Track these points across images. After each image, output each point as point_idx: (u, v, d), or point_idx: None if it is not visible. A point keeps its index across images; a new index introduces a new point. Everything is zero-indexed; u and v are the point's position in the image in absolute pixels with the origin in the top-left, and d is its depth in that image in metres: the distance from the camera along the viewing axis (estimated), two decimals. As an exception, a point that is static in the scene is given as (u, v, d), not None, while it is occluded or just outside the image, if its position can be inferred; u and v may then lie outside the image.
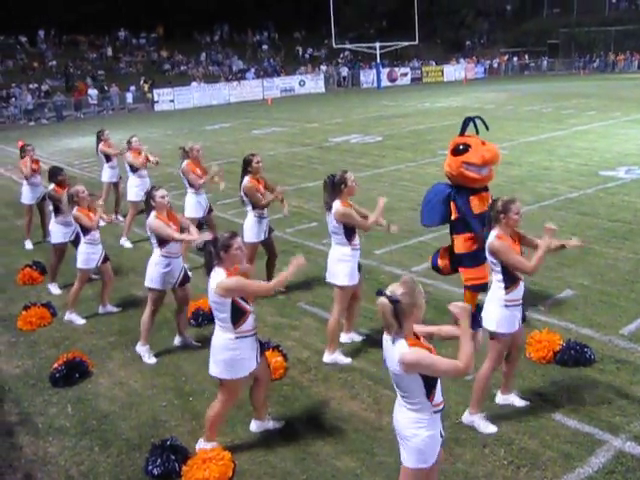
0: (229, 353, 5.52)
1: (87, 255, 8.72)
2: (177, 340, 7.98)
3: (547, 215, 11.64)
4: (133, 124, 32.52)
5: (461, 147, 7.76)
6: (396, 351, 4.06)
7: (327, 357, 7.34)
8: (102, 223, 8.85)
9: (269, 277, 8.92)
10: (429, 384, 4.12)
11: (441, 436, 4.30)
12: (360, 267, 7.45)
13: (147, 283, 7.65)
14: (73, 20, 49.11)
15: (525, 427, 5.87)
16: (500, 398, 6.28)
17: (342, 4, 51.94)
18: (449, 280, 9.25)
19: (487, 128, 8.09)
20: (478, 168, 7.61)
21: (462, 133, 8.00)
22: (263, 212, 9.12)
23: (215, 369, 5.63)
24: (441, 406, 4.24)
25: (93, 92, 41.05)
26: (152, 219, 7.44)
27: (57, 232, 9.71)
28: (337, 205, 7.09)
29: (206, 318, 8.36)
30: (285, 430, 6.06)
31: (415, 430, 4.18)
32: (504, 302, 5.79)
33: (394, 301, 4.00)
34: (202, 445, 5.72)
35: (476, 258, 7.47)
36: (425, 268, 9.85)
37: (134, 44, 52.95)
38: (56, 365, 7.28)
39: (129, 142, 12.49)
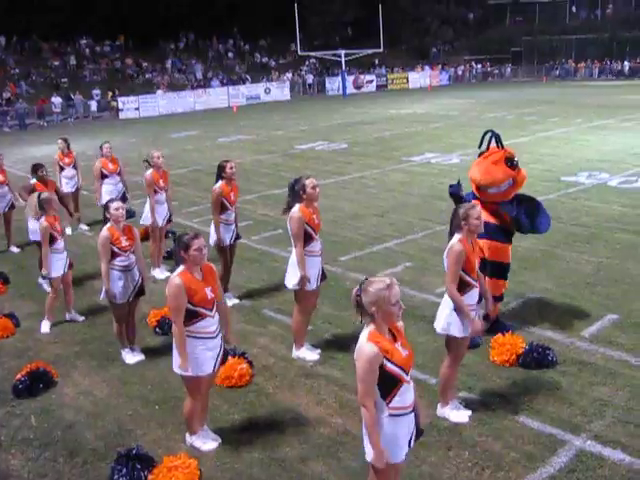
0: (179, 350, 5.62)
1: (53, 263, 8.66)
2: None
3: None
4: (97, 132, 32.24)
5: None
6: (360, 338, 4.14)
7: (295, 353, 7.52)
8: (69, 232, 8.83)
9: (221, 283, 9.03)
10: (384, 384, 4.11)
11: (409, 445, 4.31)
12: (324, 277, 7.52)
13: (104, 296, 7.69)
14: (36, 27, 48.58)
15: (489, 429, 5.95)
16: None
17: (308, 12, 52.07)
18: (415, 286, 9.35)
19: (498, 146, 8.01)
20: (473, 182, 7.79)
21: (481, 145, 8.09)
22: (228, 218, 9.14)
23: (173, 364, 5.77)
24: (401, 411, 4.20)
25: (57, 100, 40.59)
26: (103, 231, 7.47)
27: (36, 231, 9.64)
28: (293, 210, 7.17)
29: (171, 326, 8.31)
30: (251, 436, 6.06)
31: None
32: (455, 306, 5.90)
33: (355, 293, 4.16)
34: (188, 439, 5.93)
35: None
36: (389, 274, 9.92)
37: (98, 52, 52.52)
38: (19, 376, 7.17)
39: (100, 148, 12.54)
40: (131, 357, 7.74)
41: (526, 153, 19.34)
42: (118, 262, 7.48)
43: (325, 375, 7.13)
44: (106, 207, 7.56)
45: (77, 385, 7.28)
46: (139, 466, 5.47)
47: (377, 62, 57.56)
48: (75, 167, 13.71)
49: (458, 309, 5.84)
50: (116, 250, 7.45)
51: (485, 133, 8.04)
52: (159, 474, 5.42)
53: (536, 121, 26.94)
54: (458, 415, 6.12)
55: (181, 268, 5.59)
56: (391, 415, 4.16)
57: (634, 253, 10.30)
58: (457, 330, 5.90)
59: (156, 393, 6.98)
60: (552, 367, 6.92)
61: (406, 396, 4.20)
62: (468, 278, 5.90)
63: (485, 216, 7.48)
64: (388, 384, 4.11)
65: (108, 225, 7.46)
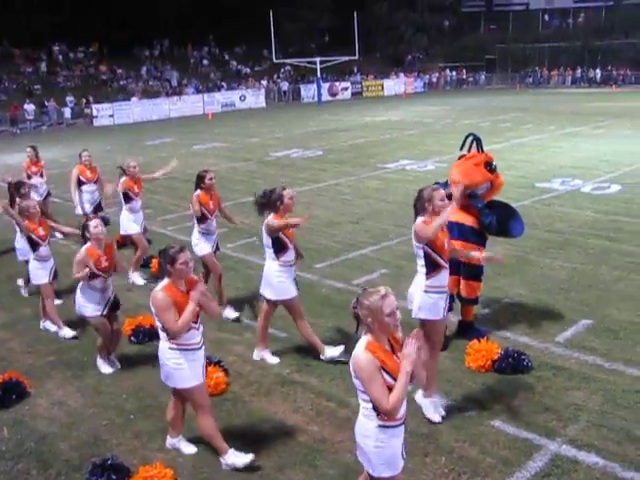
0: (168, 363, 5.58)
1: (35, 271, 8.70)
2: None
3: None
4: (71, 140, 32.00)
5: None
6: (355, 349, 4.12)
7: (256, 355, 7.64)
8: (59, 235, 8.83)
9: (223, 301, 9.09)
10: None
11: (402, 457, 4.30)
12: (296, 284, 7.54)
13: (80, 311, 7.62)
14: (7, 33, 48.06)
15: (465, 435, 5.97)
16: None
17: (283, 19, 52.13)
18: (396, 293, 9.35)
19: (478, 150, 8.28)
20: (452, 183, 7.78)
21: (463, 148, 8.33)
22: (208, 229, 9.05)
23: (162, 375, 5.73)
24: (393, 422, 4.16)
25: (29, 107, 40.19)
26: (81, 252, 7.29)
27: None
28: (269, 218, 7.19)
29: (147, 335, 8.28)
30: (228, 445, 6.02)
31: (362, 438, 4.23)
32: (424, 287, 5.99)
33: (352, 306, 4.20)
34: (224, 460, 5.75)
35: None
36: (366, 281, 9.95)
37: (72, 58, 52.12)
38: (-9, 386, 7.08)
39: (80, 155, 12.44)
40: (106, 367, 7.65)
41: (500, 160, 19.34)
42: (96, 284, 7.34)
43: (301, 383, 7.12)
44: (85, 227, 7.38)
45: (51, 395, 7.19)
46: (114, 476, 5.43)
47: (353, 69, 57.73)
48: (42, 176, 13.65)
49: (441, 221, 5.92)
50: (96, 272, 7.27)
51: (467, 136, 8.19)
52: (135, 484, 5.38)
53: (510, 128, 27.19)
54: (433, 415, 6.15)
55: (165, 281, 5.51)
56: (382, 426, 4.13)
57: (607, 259, 10.42)
58: (428, 313, 5.94)
59: (131, 402, 6.93)
60: (527, 372, 6.97)
61: (401, 409, 4.15)
62: (439, 259, 5.97)
63: (460, 218, 7.57)
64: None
65: (87, 245, 7.29)
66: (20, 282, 10.30)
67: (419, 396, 6.26)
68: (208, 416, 5.70)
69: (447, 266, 6.08)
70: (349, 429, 6.14)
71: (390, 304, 4.11)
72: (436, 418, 6.14)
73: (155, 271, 10.06)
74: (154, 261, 10.30)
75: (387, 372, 4.05)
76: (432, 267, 5.97)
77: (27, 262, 9.13)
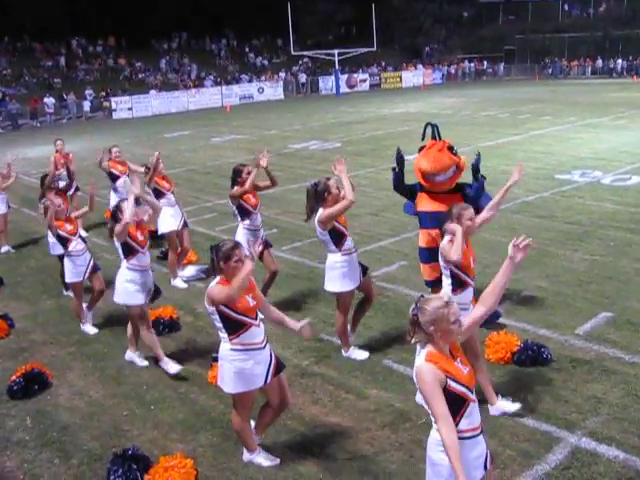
0: (228, 365, 5.35)
1: (72, 268, 8.55)
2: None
3: (505, 218, 11.83)
4: (90, 133, 32.20)
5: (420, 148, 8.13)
6: (416, 361, 3.93)
7: (344, 353, 7.52)
8: (84, 233, 8.66)
9: (264, 293, 8.94)
10: (451, 407, 3.82)
11: (484, 467, 4.05)
12: (366, 270, 7.50)
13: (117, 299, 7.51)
14: (28, 27, 48.45)
15: (485, 427, 5.93)
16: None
17: (301, 12, 52.09)
18: (410, 284, 9.36)
19: (438, 138, 8.28)
20: (419, 173, 7.92)
21: (433, 137, 8.27)
22: (253, 224, 8.83)
23: (220, 381, 5.54)
24: (470, 433, 3.94)
25: (50, 100, 40.46)
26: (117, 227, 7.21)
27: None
28: (319, 213, 7.09)
29: (167, 326, 8.35)
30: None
31: (434, 452, 3.94)
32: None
33: (412, 312, 3.95)
34: (247, 456, 5.70)
35: (423, 255, 7.97)
36: (384, 273, 9.95)
37: (91, 52, 52.40)
38: (14, 377, 7.16)
39: (109, 151, 12.45)
40: (142, 360, 7.65)
41: (520, 151, 19.43)
42: (135, 261, 7.30)
43: (321, 374, 7.15)
44: (118, 207, 7.34)
45: (72, 386, 7.27)
46: (135, 466, 5.47)
47: (370, 61, 57.57)
48: (68, 169, 13.64)
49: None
50: (134, 245, 7.26)
51: (426, 126, 8.25)
52: (155, 474, 5.42)
53: (529, 119, 26.99)
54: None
55: (218, 278, 5.30)
56: (460, 438, 3.83)
57: (627, 251, 10.34)
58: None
59: (151, 393, 6.98)
60: (547, 365, 6.94)
61: (474, 417, 3.96)
62: (464, 277, 5.93)
63: (436, 206, 7.63)
64: (454, 405, 3.84)
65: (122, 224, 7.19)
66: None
67: (493, 409, 6.15)
68: (245, 419, 5.59)
69: (472, 283, 6.06)
70: (368, 420, 6.19)
71: (456, 312, 3.89)
72: (514, 407, 6.10)
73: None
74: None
75: (454, 380, 3.87)
76: (458, 285, 5.95)
77: (60, 258, 9.11)
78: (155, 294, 7.73)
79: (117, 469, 5.46)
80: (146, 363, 7.63)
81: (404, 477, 5.31)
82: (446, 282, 6.06)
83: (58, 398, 7.03)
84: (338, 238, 7.17)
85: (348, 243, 7.26)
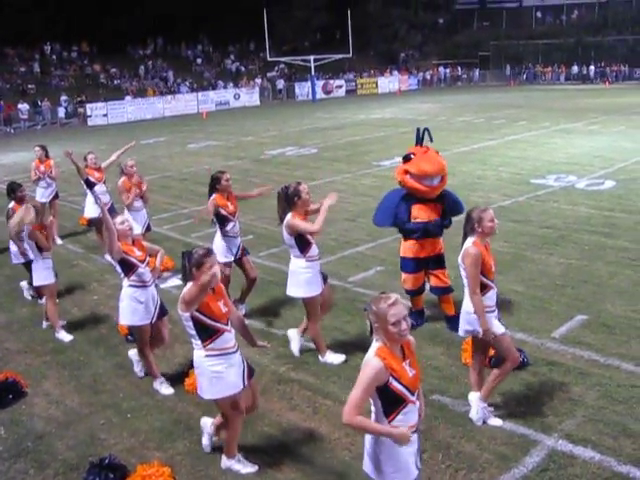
0: (206, 372, 5.35)
1: (42, 271, 8.55)
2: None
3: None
4: (65, 139, 31.94)
5: (410, 155, 8.05)
6: (368, 351, 4.05)
7: (321, 359, 7.49)
8: (59, 241, 8.68)
9: (242, 299, 8.96)
10: (389, 403, 4.00)
11: (417, 467, 4.16)
12: (325, 277, 7.51)
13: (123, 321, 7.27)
14: (0, 32, 47.94)
15: (462, 431, 5.99)
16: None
17: (276, 18, 52.15)
18: (388, 289, 9.34)
19: (431, 140, 8.33)
20: (418, 178, 7.84)
21: (418, 143, 8.26)
22: (231, 231, 8.73)
23: (199, 390, 5.53)
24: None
25: (23, 107, 40.12)
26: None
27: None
28: (288, 217, 7.11)
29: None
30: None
31: (370, 445, 4.11)
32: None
33: (364, 308, 4.12)
34: (225, 463, 5.67)
35: (410, 266, 8.01)
36: (361, 278, 9.97)
37: (65, 58, 52.03)
38: (-13, 387, 7.08)
39: (85, 158, 12.34)
40: (166, 388, 7.10)
41: (495, 156, 19.57)
42: (135, 277, 6.97)
43: (298, 380, 7.13)
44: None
45: (48, 395, 7.19)
46: (112, 475, 5.43)
47: (346, 67, 57.74)
48: (51, 174, 13.52)
49: (478, 313, 5.85)
50: (132, 261, 6.93)
51: (421, 131, 8.31)
52: (133, 483, 5.38)
53: (504, 125, 27.24)
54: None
55: (190, 285, 5.28)
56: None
57: (602, 254, 10.44)
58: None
59: (128, 401, 6.93)
60: (523, 368, 6.97)
61: (410, 416, 4.05)
62: (486, 280, 5.93)
63: (433, 215, 7.82)
64: (392, 403, 3.99)
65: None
66: (24, 284, 10.19)
67: (475, 398, 6.17)
68: (238, 424, 5.57)
69: (494, 286, 6.06)
70: (346, 427, 6.17)
71: (396, 313, 3.92)
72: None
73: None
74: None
75: (396, 379, 3.95)
76: (482, 288, 5.92)
77: (25, 264, 9.08)
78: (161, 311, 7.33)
79: (94, 478, 5.42)
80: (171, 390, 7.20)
81: (383, 482, 5.31)
82: (466, 286, 6.01)
83: (33, 407, 6.95)
84: (304, 245, 7.20)
85: (313, 250, 7.28)
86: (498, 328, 5.97)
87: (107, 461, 5.54)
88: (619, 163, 17.55)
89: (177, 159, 23.47)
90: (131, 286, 6.99)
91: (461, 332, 6.15)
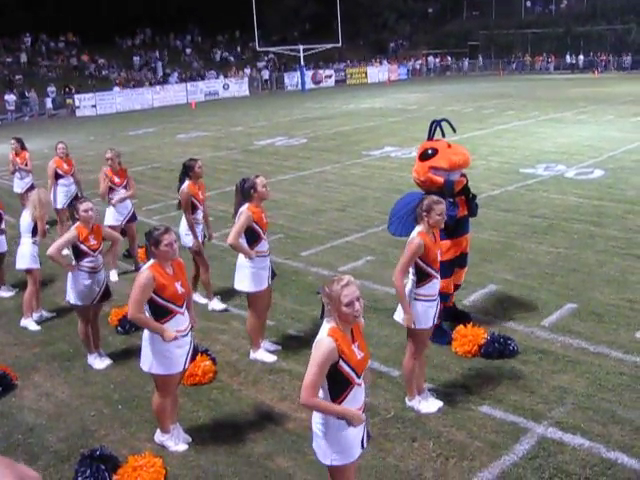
0: (150, 347, 5.58)
1: (34, 255, 8.77)
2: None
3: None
4: (54, 131, 31.76)
5: (429, 151, 7.63)
6: (319, 332, 4.12)
7: (251, 355, 7.45)
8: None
9: (194, 285, 9.01)
10: (336, 384, 4.08)
11: (362, 446, 4.27)
12: (274, 275, 7.50)
13: (69, 299, 7.51)
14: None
15: (453, 419, 6.01)
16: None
17: (265, 7, 51.93)
18: (377, 279, 9.39)
19: (454, 130, 8.15)
20: (446, 172, 7.51)
21: (430, 137, 7.98)
22: (197, 217, 8.92)
23: (142, 362, 5.74)
24: None
25: (10, 98, 39.78)
26: (71, 230, 7.36)
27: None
28: (242, 209, 7.11)
29: (133, 325, 8.25)
30: (216, 433, 6.04)
31: (318, 427, 4.18)
32: (414, 295, 5.95)
33: (317, 291, 4.22)
34: (159, 437, 5.87)
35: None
36: (351, 268, 9.97)
37: (53, 48, 51.66)
38: (-23, 380, 7.05)
39: (55, 148, 12.21)
40: (99, 362, 7.54)
41: (484, 146, 19.59)
42: (86, 263, 7.28)
43: (289, 370, 7.14)
44: (75, 208, 7.37)
45: (38, 387, 7.17)
46: (103, 467, 5.41)
47: (336, 57, 57.62)
48: (27, 167, 13.44)
49: (399, 299, 5.90)
50: (84, 249, 7.25)
51: (432, 124, 8.05)
52: (124, 474, 5.38)
53: (494, 114, 27.27)
54: (427, 406, 6.15)
55: (152, 262, 5.52)
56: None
57: (590, 243, 10.49)
58: (418, 322, 5.93)
59: (119, 392, 6.92)
60: (513, 357, 7.01)
61: (356, 398, 4.15)
62: (429, 269, 5.92)
63: (464, 210, 7.61)
64: (339, 385, 4.07)
65: (77, 224, 7.29)
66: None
67: (407, 402, 6.20)
68: (166, 401, 5.74)
69: (438, 275, 6.03)
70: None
71: (349, 294, 3.98)
72: (432, 408, 6.13)
73: (142, 259, 9.99)
74: (141, 251, 10.28)
75: (344, 361, 4.03)
76: (424, 277, 5.91)
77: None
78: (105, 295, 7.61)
79: (85, 470, 5.40)
80: (109, 361, 7.61)
81: (373, 470, 5.33)
82: (411, 271, 6.03)
83: (23, 400, 6.92)
84: (253, 239, 7.18)
85: (262, 246, 7.25)
86: (426, 320, 5.95)
87: (98, 452, 5.53)
88: (608, 152, 17.60)
89: (166, 150, 23.37)
90: (80, 270, 7.30)
91: (396, 317, 6.13)
